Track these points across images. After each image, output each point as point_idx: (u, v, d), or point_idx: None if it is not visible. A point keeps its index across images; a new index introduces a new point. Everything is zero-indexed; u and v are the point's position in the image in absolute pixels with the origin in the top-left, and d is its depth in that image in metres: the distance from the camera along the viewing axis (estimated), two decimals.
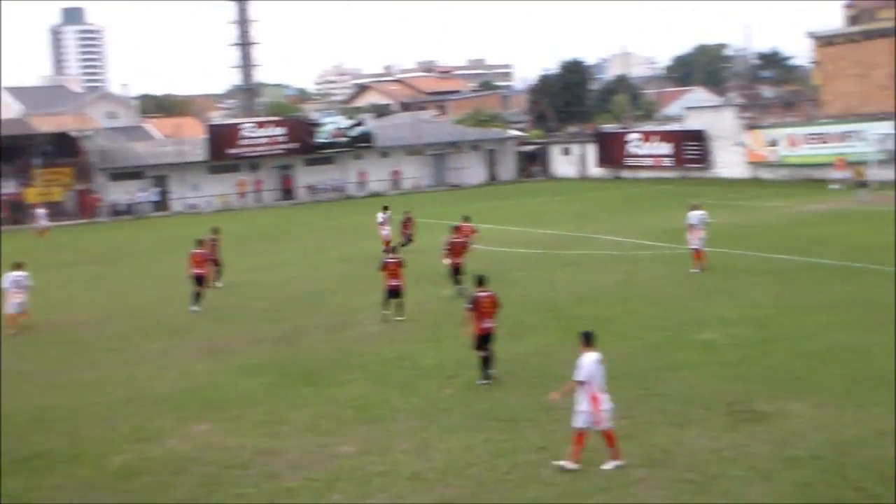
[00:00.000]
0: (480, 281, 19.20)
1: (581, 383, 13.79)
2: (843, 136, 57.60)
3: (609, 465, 13.65)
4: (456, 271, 28.19)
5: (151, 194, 68.71)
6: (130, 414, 17.87)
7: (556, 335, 21.98)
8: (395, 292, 24.89)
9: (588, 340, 14.19)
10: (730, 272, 28.86)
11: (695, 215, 30.36)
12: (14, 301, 26.33)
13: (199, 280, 28.62)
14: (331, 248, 42.03)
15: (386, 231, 37.71)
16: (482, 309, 18.60)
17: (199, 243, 29.81)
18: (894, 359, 17.98)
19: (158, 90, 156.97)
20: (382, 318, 24.82)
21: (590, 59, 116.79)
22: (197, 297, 28.33)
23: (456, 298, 26.34)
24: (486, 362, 18.62)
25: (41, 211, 57.69)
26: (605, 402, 13.81)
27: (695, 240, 30.00)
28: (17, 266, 27.04)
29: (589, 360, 13.88)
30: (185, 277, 29.27)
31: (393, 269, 24.93)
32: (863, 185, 47.70)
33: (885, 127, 55.35)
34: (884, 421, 14.67)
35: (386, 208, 38.90)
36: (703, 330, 21.54)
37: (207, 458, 15.26)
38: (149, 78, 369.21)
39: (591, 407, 13.73)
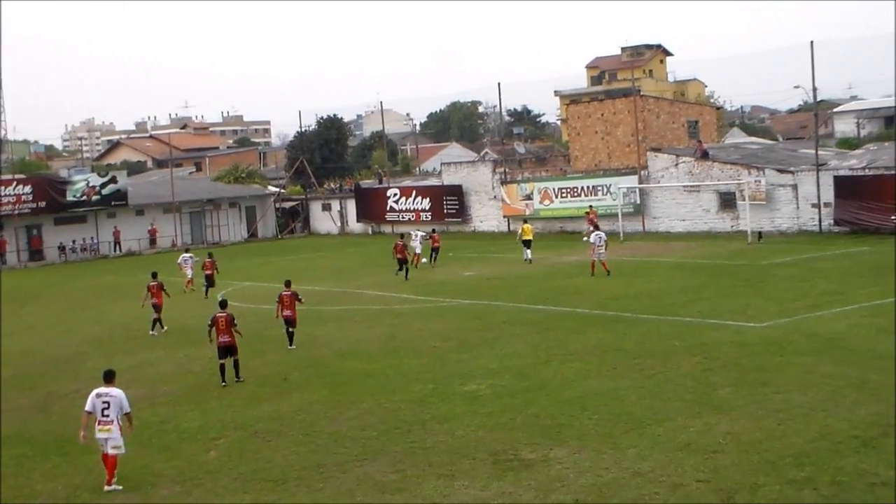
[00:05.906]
0: (223, 304, 24.08)
1: (88, 413, 16.00)
2: (593, 190, 60.33)
3: (107, 488, 15.70)
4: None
5: None
6: None
7: (322, 392, 21.87)
8: (227, 350, 23.28)
9: (106, 377, 16.37)
10: (491, 324, 29.50)
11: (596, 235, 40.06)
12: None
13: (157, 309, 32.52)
14: (84, 309, 40.45)
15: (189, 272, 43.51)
16: (219, 326, 23.18)
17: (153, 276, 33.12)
18: (645, 402, 18.84)
19: None
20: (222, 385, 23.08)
21: (347, 115, 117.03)
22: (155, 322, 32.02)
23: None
24: (235, 368, 23.30)
25: None
26: (99, 433, 15.87)
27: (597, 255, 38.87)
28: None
29: (91, 394, 16.12)
30: None
31: (223, 325, 23.33)
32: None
33: (629, 181, 58.41)
34: (639, 462, 15.25)
35: (188, 250, 44.16)
36: (468, 381, 21.87)
37: None
38: None
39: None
